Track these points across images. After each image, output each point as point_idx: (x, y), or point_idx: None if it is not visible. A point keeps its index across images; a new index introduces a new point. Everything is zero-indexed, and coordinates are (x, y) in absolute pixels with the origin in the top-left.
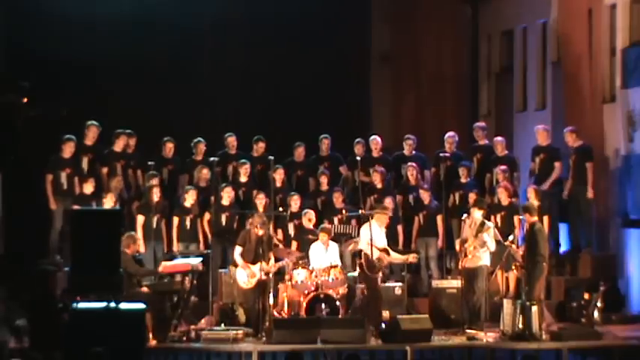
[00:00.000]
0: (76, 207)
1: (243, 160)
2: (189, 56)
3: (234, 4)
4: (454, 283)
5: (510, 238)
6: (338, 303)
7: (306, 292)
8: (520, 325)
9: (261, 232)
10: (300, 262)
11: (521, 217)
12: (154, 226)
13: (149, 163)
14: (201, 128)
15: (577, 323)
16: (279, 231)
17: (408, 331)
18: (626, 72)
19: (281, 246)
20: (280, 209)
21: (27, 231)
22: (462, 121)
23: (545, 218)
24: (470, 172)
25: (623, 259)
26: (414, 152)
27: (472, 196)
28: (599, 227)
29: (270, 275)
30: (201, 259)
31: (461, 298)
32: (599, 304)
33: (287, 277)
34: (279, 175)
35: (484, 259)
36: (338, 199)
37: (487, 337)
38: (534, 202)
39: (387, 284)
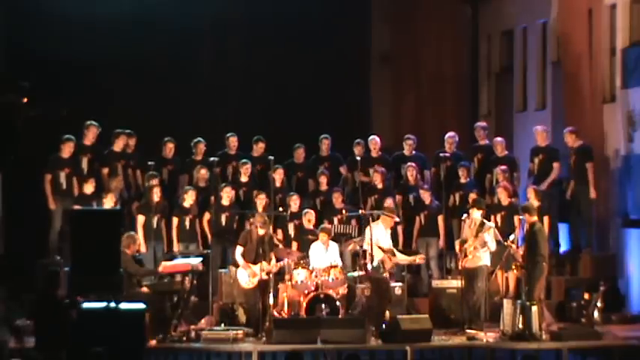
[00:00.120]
0: (76, 207)
1: (244, 160)
2: (189, 56)
3: (234, 4)
4: (454, 283)
5: (510, 238)
6: (338, 303)
7: (306, 292)
8: (520, 325)
9: (262, 232)
10: (301, 262)
11: (521, 217)
12: (154, 226)
13: (149, 163)
14: (201, 128)
15: (577, 323)
16: (279, 231)
17: (408, 331)
18: (626, 72)
19: (281, 246)
20: (280, 209)
21: (27, 231)
22: (462, 121)
23: (545, 218)
24: (469, 173)
25: (623, 259)
26: (414, 152)
27: (472, 197)
28: (599, 227)
29: (271, 275)
30: (201, 259)
31: (461, 298)
32: (599, 304)
33: (287, 277)
34: (278, 175)
35: (484, 259)
36: (338, 200)
37: (487, 337)
38: (534, 203)
39: None
